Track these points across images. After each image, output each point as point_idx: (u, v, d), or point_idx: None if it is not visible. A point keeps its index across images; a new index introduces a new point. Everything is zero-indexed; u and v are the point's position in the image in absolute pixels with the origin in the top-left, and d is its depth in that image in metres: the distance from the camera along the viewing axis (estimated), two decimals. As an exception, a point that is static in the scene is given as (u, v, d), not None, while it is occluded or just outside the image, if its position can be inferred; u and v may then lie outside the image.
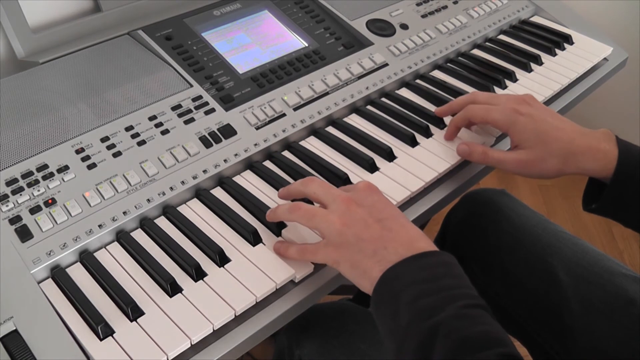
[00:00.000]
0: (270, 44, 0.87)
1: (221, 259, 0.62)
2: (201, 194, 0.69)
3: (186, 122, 0.74)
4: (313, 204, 0.64)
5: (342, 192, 0.60)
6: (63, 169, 0.67)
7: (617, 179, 0.67)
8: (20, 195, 0.63)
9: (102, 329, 0.55)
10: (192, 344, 0.55)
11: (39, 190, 0.64)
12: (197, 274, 0.60)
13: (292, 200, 0.66)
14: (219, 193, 0.70)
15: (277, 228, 0.65)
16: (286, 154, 0.77)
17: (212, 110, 0.76)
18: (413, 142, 0.78)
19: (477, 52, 0.99)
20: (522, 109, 0.72)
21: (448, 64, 0.95)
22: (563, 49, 1.00)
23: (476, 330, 0.48)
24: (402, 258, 0.54)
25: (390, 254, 0.54)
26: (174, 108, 0.75)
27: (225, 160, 0.72)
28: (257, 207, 0.68)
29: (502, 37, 1.04)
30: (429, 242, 0.56)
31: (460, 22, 1.00)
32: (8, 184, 0.64)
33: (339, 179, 0.71)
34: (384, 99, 0.86)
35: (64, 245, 0.61)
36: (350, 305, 0.78)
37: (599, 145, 0.68)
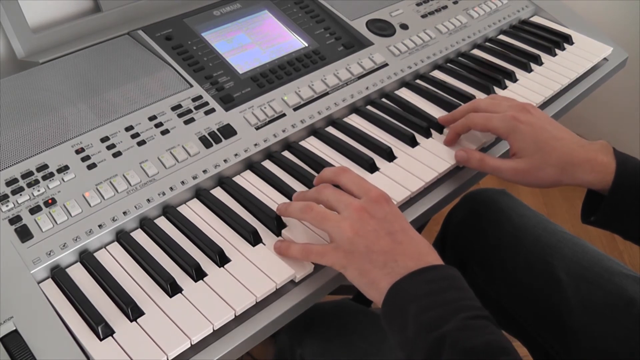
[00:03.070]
0: (270, 44, 0.87)
1: (221, 259, 0.62)
2: (201, 194, 0.69)
3: (186, 122, 0.74)
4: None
5: (355, 200, 0.60)
6: (63, 169, 0.66)
7: (615, 190, 0.67)
8: (20, 195, 0.63)
9: (102, 329, 0.55)
10: (192, 344, 0.55)
11: (39, 190, 0.64)
12: (197, 274, 0.60)
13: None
14: (219, 193, 0.70)
15: (277, 228, 0.65)
16: (286, 154, 0.77)
17: (212, 110, 0.76)
18: (413, 142, 0.78)
19: (477, 52, 0.99)
20: (522, 117, 0.71)
21: (448, 64, 0.95)
22: (563, 49, 1.00)
23: (480, 341, 0.50)
24: (410, 271, 0.55)
25: (400, 268, 0.56)
26: (174, 108, 0.75)
27: (225, 160, 0.72)
28: (257, 207, 0.68)
29: (502, 37, 1.03)
30: (436, 255, 0.58)
31: (460, 22, 1.00)
32: (8, 184, 0.64)
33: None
34: (384, 99, 0.86)
35: (64, 245, 0.61)
36: (351, 304, 0.79)
37: (597, 157, 0.68)
